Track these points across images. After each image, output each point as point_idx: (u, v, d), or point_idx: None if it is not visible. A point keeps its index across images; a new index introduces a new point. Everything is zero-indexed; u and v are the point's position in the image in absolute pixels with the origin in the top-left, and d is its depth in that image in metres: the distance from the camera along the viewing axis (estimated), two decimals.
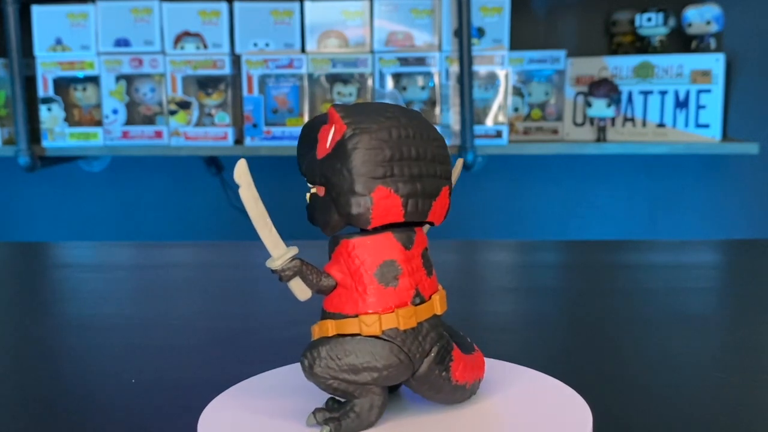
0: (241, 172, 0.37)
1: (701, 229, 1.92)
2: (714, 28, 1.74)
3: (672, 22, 1.76)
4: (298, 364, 0.43)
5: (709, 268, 0.92)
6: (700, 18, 1.74)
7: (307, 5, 1.72)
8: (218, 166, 1.97)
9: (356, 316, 0.39)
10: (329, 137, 0.38)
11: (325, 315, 0.40)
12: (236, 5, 1.73)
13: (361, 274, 0.39)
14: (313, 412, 0.40)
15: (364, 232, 0.39)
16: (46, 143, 1.75)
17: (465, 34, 1.64)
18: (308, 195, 0.39)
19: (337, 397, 0.40)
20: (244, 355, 0.58)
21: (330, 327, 0.39)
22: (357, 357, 0.39)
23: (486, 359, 0.49)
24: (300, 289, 0.39)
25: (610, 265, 0.91)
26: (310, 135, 0.39)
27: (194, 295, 0.80)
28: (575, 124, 1.79)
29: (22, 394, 0.52)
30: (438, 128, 1.83)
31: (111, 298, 0.78)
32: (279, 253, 0.38)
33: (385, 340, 0.39)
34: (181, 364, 0.56)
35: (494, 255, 1.03)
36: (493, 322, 0.66)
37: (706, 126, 1.70)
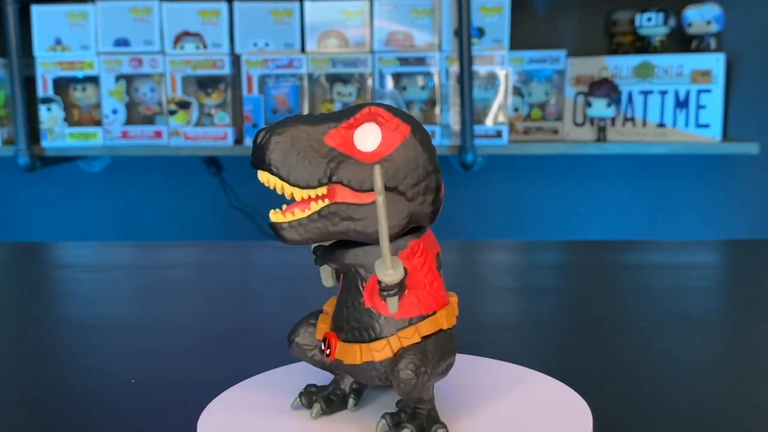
0: (381, 179, 0.35)
1: (701, 229, 1.92)
2: (714, 28, 1.74)
3: (672, 22, 1.76)
4: (298, 364, 0.43)
5: (709, 268, 0.92)
6: (700, 18, 1.74)
7: (307, 5, 1.72)
8: (218, 166, 1.97)
9: (434, 313, 0.39)
10: (379, 138, 0.37)
11: (398, 324, 0.38)
12: (236, 5, 1.73)
13: (429, 271, 0.38)
14: (404, 430, 0.38)
15: (420, 230, 0.38)
16: (46, 143, 1.75)
17: (465, 34, 1.64)
18: (335, 207, 0.37)
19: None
20: (244, 355, 0.58)
21: (414, 333, 0.38)
22: (448, 352, 0.39)
23: (486, 359, 0.49)
24: (397, 302, 0.38)
25: (610, 265, 0.91)
26: (304, 142, 0.37)
27: (194, 295, 0.80)
28: (575, 124, 1.79)
29: (22, 394, 0.52)
30: (438, 128, 1.83)
31: (111, 298, 0.78)
32: (402, 266, 0.37)
33: (451, 329, 0.39)
34: (181, 365, 0.56)
35: (494, 255, 1.03)
36: (493, 322, 0.66)
37: (706, 126, 1.70)
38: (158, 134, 1.74)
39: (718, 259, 0.99)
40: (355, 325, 0.39)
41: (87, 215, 2.03)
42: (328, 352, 0.39)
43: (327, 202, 0.37)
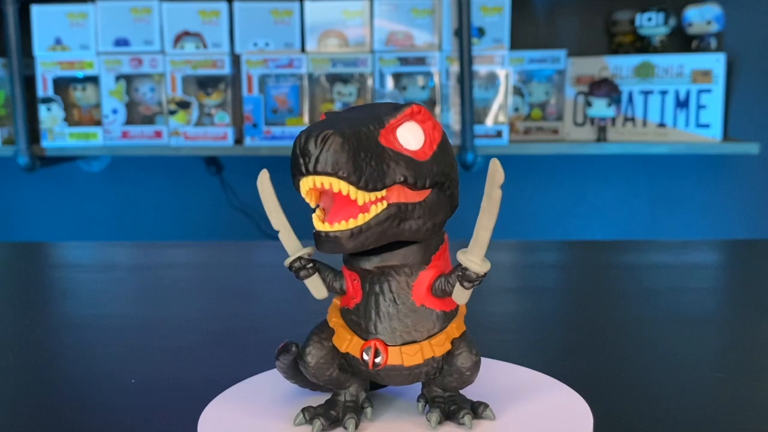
0: (503, 171, 0.36)
1: (701, 229, 1.92)
2: (714, 27, 1.74)
3: (672, 21, 1.76)
4: None
5: (709, 268, 0.92)
6: (700, 18, 1.74)
7: (307, 5, 1.72)
8: (218, 166, 1.97)
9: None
10: (422, 136, 0.37)
11: (449, 316, 0.39)
12: (236, 5, 1.73)
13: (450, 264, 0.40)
14: (466, 416, 0.39)
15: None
16: (46, 143, 1.75)
17: (465, 33, 1.64)
18: (395, 208, 0.36)
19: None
20: (244, 355, 0.58)
21: (461, 322, 0.40)
22: None
23: (486, 359, 0.49)
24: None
25: (610, 265, 0.91)
26: (366, 143, 0.35)
27: (194, 295, 0.80)
28: (575, 124, 1.79)
29: (22, 394, 0.52)
30: None
31: (111, 298, 0.78)
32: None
33: None
34: (181, 364, 0.56)
35: (494, 255, 1.03)
36: (493, 322, 0.66)
37: (707, 126, 1.70)
38: (158, 134, 1.74)
39: (718, 259, 0.99)
40: (406, 326, 0.38)
41: (87, 215, 2.03)
42: (378, 360, 0.38)
43: (385, 204, 0.36)
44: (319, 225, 0.36)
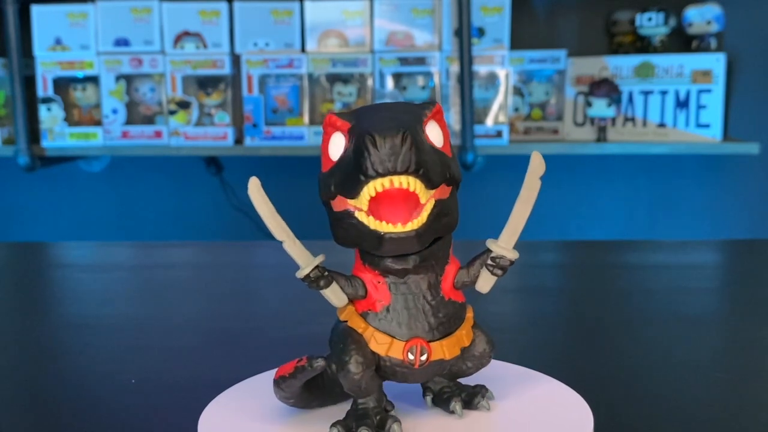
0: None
1: (701, 229, 1.92)
2: (714, 27, 1.74)
3: (672, 21, 1.76)
4: None
5: (709, 268, 0.92)
6: (700, 18, 1.74)
7: (307, 5, 1.72)
8: (218, 166, 1.97)
9: None
10: (442, 135, 0.37)
11: (465, 306, 0.40)
12: (236, 5, 1.73)
13: None
14: (483, 400, 0.41)
15: None
16: (46, 143, 1.75)
17: (465, 33, 1.64)
18: (439, 205, 0.36)
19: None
20: (244, 355, 0.58)
21: (471, 310, 0.41)
22: None
23: None
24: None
25: (610, 265, 0.91)
26: (417, 139, 0.35)
27: (194, 295, 0.80)
28: (575, 124, 1.79)
29: (22, 394, 0.52)
30: None
31: (111, 298, 0.78)
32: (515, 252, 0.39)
33: None
34: (181, 364, 0.56)
35: None
36: (493, 322, 0.66)
37: (707, 126, 1.70)
38: (158, 134, 1.74)
39: (718, 259, 0.99)
40: (441, 321, 0.38)
41: (87, 215, 2.03)
42: (422, 358, 0.38)
43: (433, 201, 0.36)
44: (385, 227, 0.35)
